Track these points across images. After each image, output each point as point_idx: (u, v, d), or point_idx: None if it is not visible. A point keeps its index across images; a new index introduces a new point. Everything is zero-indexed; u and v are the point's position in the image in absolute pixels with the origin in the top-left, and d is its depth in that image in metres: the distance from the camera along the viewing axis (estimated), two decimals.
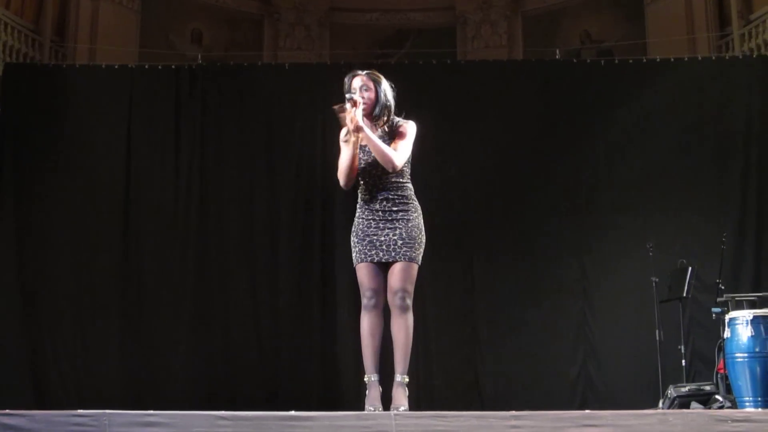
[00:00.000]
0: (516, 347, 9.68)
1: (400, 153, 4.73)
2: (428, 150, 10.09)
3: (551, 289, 9.80)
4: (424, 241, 4.82)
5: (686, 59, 10.53)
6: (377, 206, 4.75)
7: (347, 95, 4.70)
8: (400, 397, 4.64)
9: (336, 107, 4.75)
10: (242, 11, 13.74)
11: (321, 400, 8.99)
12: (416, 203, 4.84)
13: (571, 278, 9.82)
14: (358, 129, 4.62)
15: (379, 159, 4.68)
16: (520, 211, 9.98)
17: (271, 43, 13.73)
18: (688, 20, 12.33)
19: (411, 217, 4.77)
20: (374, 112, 4.82)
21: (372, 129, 4.76)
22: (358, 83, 4.79)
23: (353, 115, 4.63)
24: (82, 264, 9.85)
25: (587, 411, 4.24)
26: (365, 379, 4.74)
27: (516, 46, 13.71)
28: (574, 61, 11.19)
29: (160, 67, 10.57)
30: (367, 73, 4.84)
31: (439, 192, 10.02)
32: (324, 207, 10.04)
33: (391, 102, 4.88)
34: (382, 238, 4.70)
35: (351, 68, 10.49)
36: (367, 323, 4.76)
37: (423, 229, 4.83)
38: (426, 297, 9.81)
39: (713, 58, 10.98)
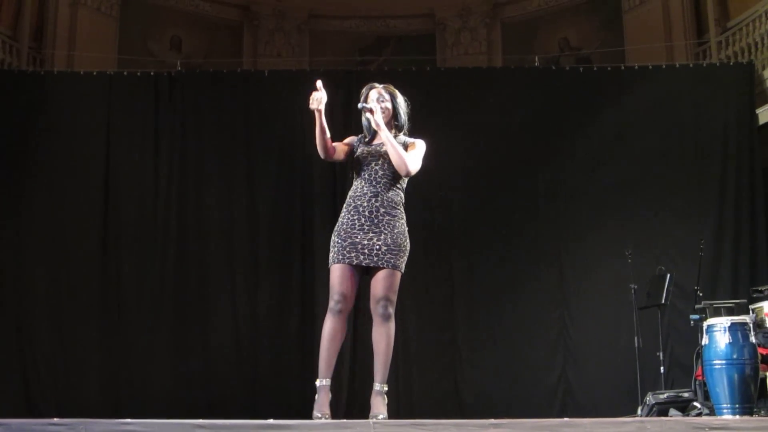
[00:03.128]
0: (495, 355, 9.70)
1: (415, 160, 4.76)
2: None
3: (530, 297, 9.82)
4: (408, 249, 4.78)
5: (664, 66, 10.63)
6: (365, 204, 4.70)
7: (360, 105, 4.80)
8: (379, 405, 4.58)
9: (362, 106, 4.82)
10: (221, 18, 13.72)
11: (301, 408, 8.98)
12: (403, 211, 4.83)
13: (550, 285, 9.84)
14: (378, 127, 4.69)
15: (394, 160, 4.68)
16: (499, 218, 10.00)
17: (251, 50, 13.71)
18: (666, 28, 12.42)
19: (398, 224, 4.74)
20: (391, 123, 4.87)
21: (377, 127, 4.78)
22: (374, 95, 4.85)
23: (374, 117, 4.72)
24: (61, 271, 9.78)
25: (566, 419, 4.25)
26: (316, 383, 4.62)
27: (495, 53, 13.75)
28: (553, 68, 11.27)
29: (138, 73, 10.53)
30: (384, 86, 4.91)
31: (417, 198, 10.01)
32: (304, 213, 10.04)
33: (405, 116, 4.94)
34: (366, 242, 4.64)
35: (331, 75, 10.57)
36: (330, 326, 4.63)
37: (408, 236, 4.79)
38: (405, 305, 9.79)
39: (691, 65, 11.07)
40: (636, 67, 10.55)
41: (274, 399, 9.14)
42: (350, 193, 4.82)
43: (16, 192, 9.87)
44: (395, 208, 4.76)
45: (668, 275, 8.40)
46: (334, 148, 4.77)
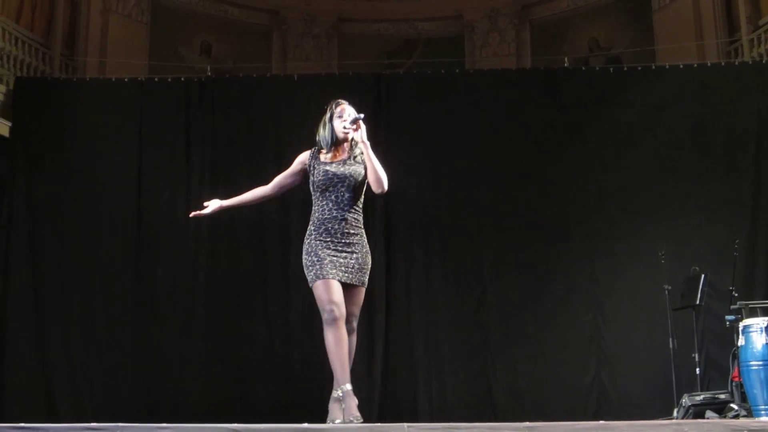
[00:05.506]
0: (528, 357, 9.64)
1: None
2: (438, 159, 10.14)
3: (563, 298, 9.75)
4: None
5: (695, 65, 10.51)
6: (336, 227, 4.85)
7: (356, 117, 4.91)
8: (351, 408, 4.62)
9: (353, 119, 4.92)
10: (251, 23, 13.78)
11: None
12: (363, 229, 5.00)
13: (583, 287, 9.77)
14: (365, 144, 4.86)
15: (371, 176, 4.86)
16: (531, 219, 9.94)
17: (280, 54, 13.76)
18: (697, 26, 12.30)
19: (363, 243, 4.94)
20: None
21: (350, 153, 4.96)
22: (346, 111, 5.00)
23: (360, 132, 4.89)
24: (95, 276, 9.85)
25: (602, 422, 4.22)
26: (339, 392, 4.67)
27: (524, 55, 13.71)
28: (583, 68, 11.19)
29: (169, 79, 10.60)
30: (349, 104, 5.05)
31: (450, 200, 10.03)
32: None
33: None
34: (342, 260, 4.83)
35: (360, 79, 10.58)
36: (332, 335, 4.74)
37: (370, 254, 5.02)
38: (437, 307, 9.81)
39: (722, 64, 10.95)
40: (667, 67, 10.46)
41: (307, 403, 9.14)
42: (317, 215, 4.93)
43: (50, 198, 9.97)
44: (360, 228, 4.95)
45: (702, 276, 8.31)
46: (281, 186, 5.10)
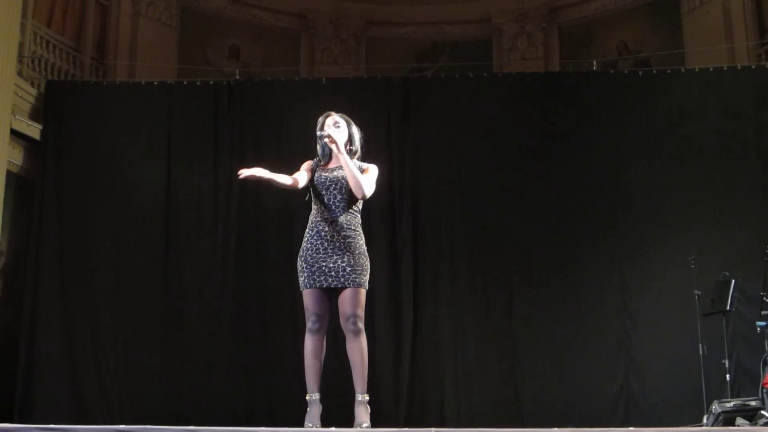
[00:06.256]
0: (556, 361, 9.59)
1: (370, 184, 5.08)
2: (465, 164, 10.12)
3: (591, 303, 9.71)
4: (369, 267, 5.06)
5: (725, 68, 10.41)
6: (327, 229, 5.00)
7: (319, 133, 5.14)
8: (362, 414, 4.83)
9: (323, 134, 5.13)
10: (279, 27, 13.81)
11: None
12: (362, 231, 5.12)
13: (612, 292, 9.71)
14: (339, 151, 5.03)
15: (351, 184, 5.00)
16: (559, 224, 9.90)
17: (308, 58, 13.77)
18: (727, 29, 12.16)
19: (358, 245, 5.02)
20: (347, 147, 5.17)
21: (338, 153, 5.07)
22: (330, 121, 5.20)
23: (335, 141, 5.06)
24: (123, 278, 9.92)
25: (631, 428, 4.19)
26: (307, 398, 4.94)
27: (552, 58, 13.64)
28: (612, 72, 11.12)
29: (198, 83, 10.67)
30: (339, 115, 5.26)
31: (478, 205, 10.00)
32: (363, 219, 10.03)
33: (359, 142, 5.27)
34: (331, 265, 4.94)
35: (388, 82, 10.59)
36: (310, 345, 4.98)
37: (368, 256, 5.08)
38: (464, 313, 9.78)
39: (753, 66, 10.84)
40: (696, 70, 10.37)
41: (335, 409, 9.14)
42: (311, 218, 5.14)
43: (81, 199, 10.05)
44: (354, 230, 5.05)
45: (733, 281, 8.25)
46: (296, 179, 5.15)
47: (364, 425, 4.73)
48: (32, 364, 9.53)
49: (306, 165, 5.26)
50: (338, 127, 5.16)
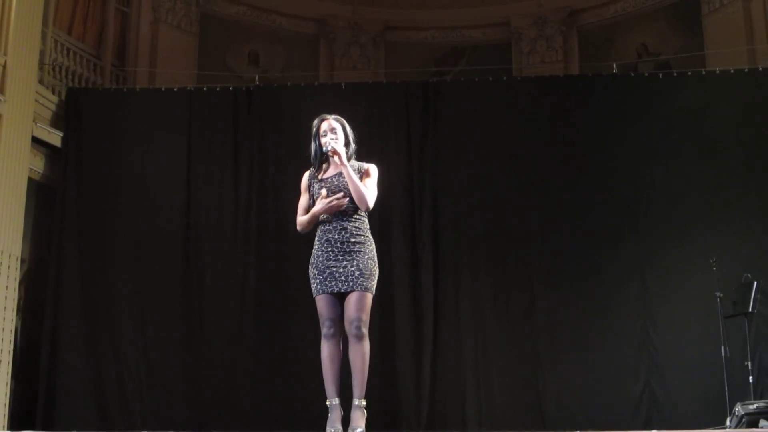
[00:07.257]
0: (577, 365, 9.55)
1: (374, 193, 5.12)
2: (485, 168, 10.11)
3: (612, 306, 9.67)
4: (377, 272, 5.09)
5: (746, 70, 10.35)
6: (336, 236, 5.04)
7: (325, 148, 5.13)
8: (358, 418, 4.86)
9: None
10: (298, 32, 13.86)
11: (379, 420, 8.96)
12: (371, 236, 5.15)
13: (633, 294, 9.67)
14: (344, 166, 5.04)
15: (356, 197, 5.03)
16: (580, 226, 9.87)
17: (327, 63, 13.81)
18: (747, 31, 12.10)
19: (367, 250, 5.06)
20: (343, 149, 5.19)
21: (342, 166, 5.08)
22: (326, 126, 5.24)
23: (339, 154, 5.07)
24: (144, 284, 9.97)
25: (653, 431, 4.17)
26: (327, 403, 4.95)
27: (572, 61, 13.62)
28: (632, 74, 11.08)
29: (218, 88, 10.70)
30: (334, 118, 5.30)
31: (498, 209, 9.98)
32: (381, 224, 10.03)
33: (353, 144, 5.28)
34: (341, 270, 4.98)
35: (407, 86, 10.57)
36: (327, 351, 5.01)
37: (376, 261, 5.12)
38: (485, 314, 9.77)
39: None
40: (717, 71, 10.33)
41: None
42: (320, 225, 5.15)
43: (102, 206, 10.11)
44: (363, 235, 5.09)
45: (755, 283, 8.21)
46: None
47: (358, 430, 4.76)
48: (54, 370, 9.58)
49: (304, 186, 5.29)
50: (335, 133, 5.19)
